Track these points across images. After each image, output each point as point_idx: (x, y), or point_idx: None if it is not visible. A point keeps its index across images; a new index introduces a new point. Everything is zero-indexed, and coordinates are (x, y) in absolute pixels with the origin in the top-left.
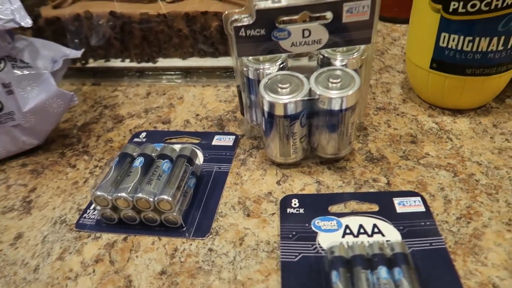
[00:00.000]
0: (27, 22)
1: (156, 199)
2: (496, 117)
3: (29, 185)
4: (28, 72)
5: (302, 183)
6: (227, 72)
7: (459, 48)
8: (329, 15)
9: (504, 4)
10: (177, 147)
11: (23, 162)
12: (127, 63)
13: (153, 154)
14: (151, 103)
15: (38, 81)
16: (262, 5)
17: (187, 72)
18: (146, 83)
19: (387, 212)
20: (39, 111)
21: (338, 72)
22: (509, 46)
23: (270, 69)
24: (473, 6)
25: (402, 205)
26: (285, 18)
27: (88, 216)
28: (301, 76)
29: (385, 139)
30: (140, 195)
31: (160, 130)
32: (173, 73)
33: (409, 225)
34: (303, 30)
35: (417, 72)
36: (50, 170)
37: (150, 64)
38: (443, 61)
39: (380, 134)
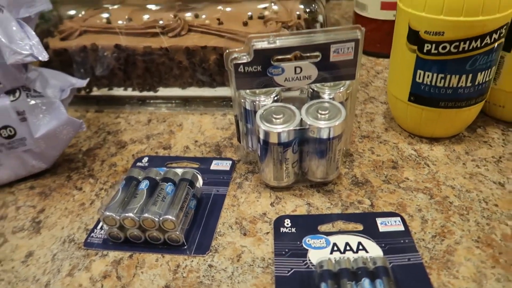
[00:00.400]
0: (44, 56)
1: (161, 219)
2: (468, 145)
3: (38, 206)
4: (40, 101)
5: (294, 205)
6: (223, 102)
7: (433, 83)
8: (318, 54)
9: (470, 47)
10: (179, 171)
11: (31, 185)
12: (129, 92)
13: (157, 178)
14: (152, 129)
15: (50, 109)
16: (259, 45)
17: (186, 101)
18: (147, 111)
19: (371, 231)
20: (49, 137)
21: (326, 105)
22: (476, 83)
23: (265, 101)
24: (443, 48)
25: (384, 225)
26: (279, 57)
27: (95, 235)
28: (293, 107)
29: (369, 164)
30: (146, 215)
31: (161, 155)
32: (173, 101)
33: (390, 242)
34: (295, 67)
35: (397, 104)
36: (58, 192)
37: (151, 93)
38: (419, 95)
39: (365, 160)
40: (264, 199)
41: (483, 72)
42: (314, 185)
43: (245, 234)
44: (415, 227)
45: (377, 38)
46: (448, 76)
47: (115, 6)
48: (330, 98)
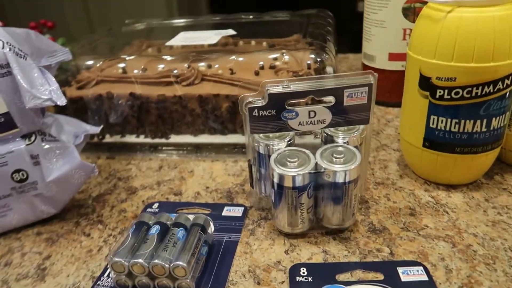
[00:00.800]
0: (62, 101)
1: (171, 265)
2: (487, 192)
3: (44, 252)
4: (54, 145)
5: (309, 253)
6: (235, 148)
7: (447, 129)
8: (332, 99)
9: (483, 92)
10: (191, 216)
11: (38, 230)
12: (141, 139)
13: (168, 223)
14: (163, 176)
15: (64, 153)
16: (273, 90)
17: (197, 148)
18: (159, 158)
19: (393, 281)
20: (61, 181)
21: (341, 149)
22: (491, 128)
23: (279, 145)
24: (456, 93)
25: (406, 274)
26: (293, 101)
27: (102, 283)
28: (307, 151)
29: (386, 211)
30: (156, 261)
31: (172, 201)
32: (184, 148)
33: None
34: (309, 111)
35: (411, 150)
36: (65, 238)
37: (163, 140)
38: (434, 141)
39: (381, 207)
40: (278, 247)
41: (498, 118)
42: (329, 232)
43: (259, 283)
44: (440, 277)
45: (386, 87)
46: (463, 121)
47: (132, 57)
48: (344, 142)
